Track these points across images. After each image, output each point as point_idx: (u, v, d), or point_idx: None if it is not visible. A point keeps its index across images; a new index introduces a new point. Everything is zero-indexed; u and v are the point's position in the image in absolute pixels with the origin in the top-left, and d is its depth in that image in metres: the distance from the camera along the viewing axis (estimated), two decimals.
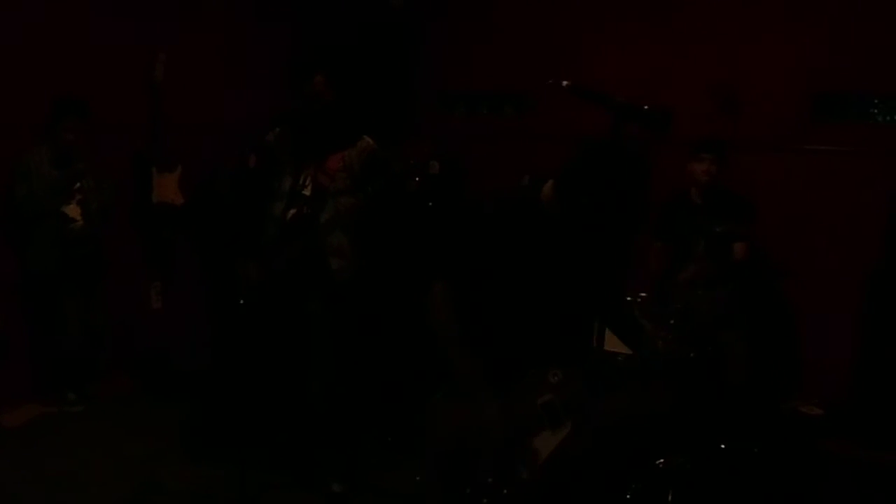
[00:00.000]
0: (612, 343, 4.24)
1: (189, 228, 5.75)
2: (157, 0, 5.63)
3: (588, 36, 5.89)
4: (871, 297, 4.57)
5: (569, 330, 2.74)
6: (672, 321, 4.06)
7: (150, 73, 5.46)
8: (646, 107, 1.97)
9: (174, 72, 5.55)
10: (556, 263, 2.64)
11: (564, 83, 2.02)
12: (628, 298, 4.32)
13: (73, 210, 4.95)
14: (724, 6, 5.38)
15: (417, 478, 2.83)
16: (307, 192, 3.91)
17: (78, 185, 4.95)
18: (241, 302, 4.03)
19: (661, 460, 3.75)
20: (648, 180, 2.50)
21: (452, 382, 2.73)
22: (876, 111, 5.06)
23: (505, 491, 2.53)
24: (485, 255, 2.67)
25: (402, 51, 6.58)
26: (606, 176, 2.41)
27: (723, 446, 4.32)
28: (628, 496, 3.52)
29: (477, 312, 2.71)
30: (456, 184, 5.80)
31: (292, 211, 3.89)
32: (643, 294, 4.32)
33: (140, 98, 5.47)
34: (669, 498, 3.67)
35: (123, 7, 5.43)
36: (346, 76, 3.98)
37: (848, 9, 5.03)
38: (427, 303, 2.77)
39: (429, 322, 2.76)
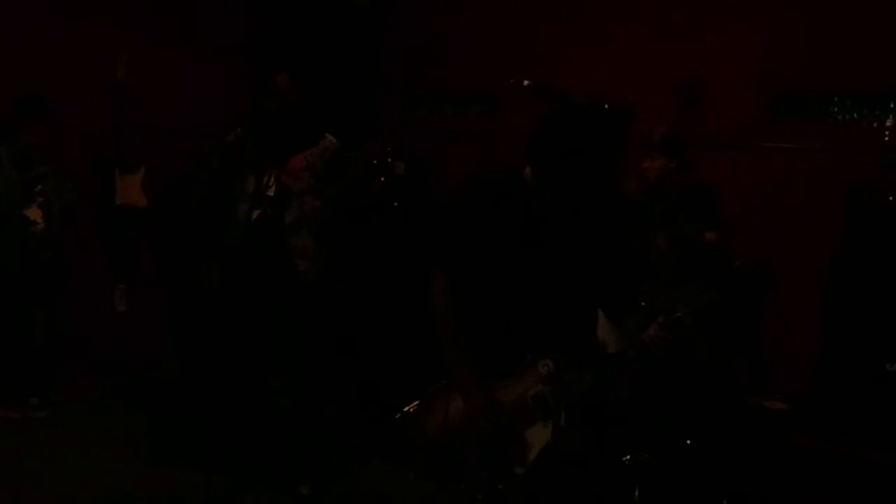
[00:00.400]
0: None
1: (155, 231, 5.70)
2: (119, 1, 5.59)
3: (553, 35, 5.91)
4: (831, 292, 4.63)
5: (567, 318, 2.62)
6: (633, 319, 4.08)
7: (112, 74, 5.41)
8: (606, 106, 1.98)
9: (136, 73, 5.50)
10: (549, 248, 2.56)
11: (525, 83, 2.03)
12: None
13: (34, 213, 4.89)
14: (685, 5, 5.43)
15: (411, 475, 2.78)
16: (271, 192, 3.89)
17: (39, 187, 4.90)
18: (205, 301, 4.01)
19: (628, 457, 3.77)
20: (621, 139, 2.44)
21: (443, 377, 2.68)
22: (835, 109, 5.13)
23: (500, 486, 2.50)
24: (477, 241, 2.58)
25: (367, 50, 6.57)
26: (576, 135, 2.33)
27: (688, 442, 4.36)
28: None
29: (475, 301, 2.63)
30: (421, 184, 5.80)
31: (256, 212, 3.87)
32: None
33: (102, 100, 5.42)
34: (636, 494, 3.69)
35: (85, 8, 5.38)
36: (310, 75, 3.96)
37: (808, 8, 5.09)
38: (429, 294, 2.70)
39: (431, 312, 2.68)
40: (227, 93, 6.03)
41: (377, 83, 6.68)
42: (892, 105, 4.88)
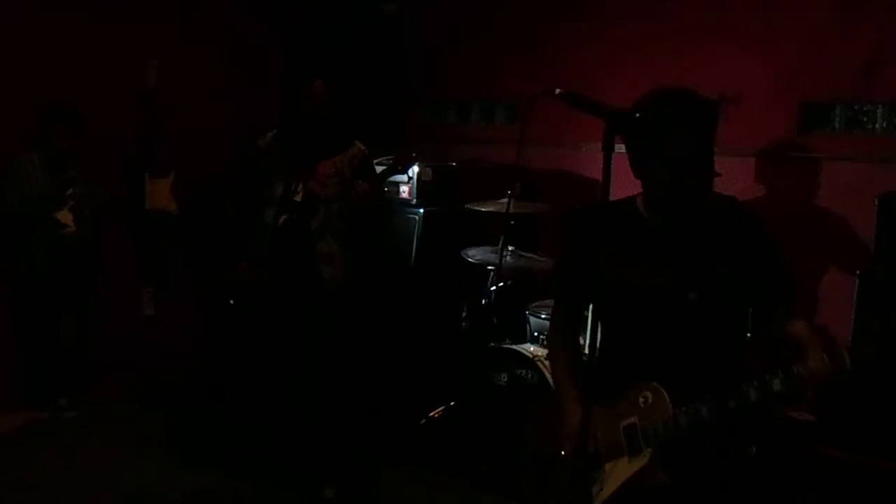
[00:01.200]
0: None
1: (184, 235, 5.75)
2: (150, 7, 5.65)
3: (579, 43, 5.91)
4: (861, 303, 4.58)
5: (680, 349, 2.39)
6: None
7: (142, 79, 5.47)
8: (637, 115, 1.98)
9: (167, 78, 5.55)
10: (665, 272, 2.38)
11: (557, 91, 2.02)
12: None
13: (65, 216, 4.95)
14: (713, 13, 5.40)
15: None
16: (298, 198, 3.91)
17: (70, 191, 4.96)
18: (232, 302, 4.03)
19: None
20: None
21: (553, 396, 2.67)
22: (864, 119, 5.09)
23: None
24: (592, 269, 2.45)
25: (394, 57, 6.60)
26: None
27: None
28: None
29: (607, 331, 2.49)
30: (448, 191, 5.82)
31: (283, 217, 3.89)
32: None
33: (132, 104, 5.47)
34: None
35: (116, 14, 5.44)
36: (339, 82, 3.97)
37: (835, 16, 5.06)
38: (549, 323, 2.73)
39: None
40: (257, 97, 6.07)
41: (405, 90, 6.70)
42: None
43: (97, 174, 5.13)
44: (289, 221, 3.90)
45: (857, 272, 4.55)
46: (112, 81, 5.41)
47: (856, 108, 5.07)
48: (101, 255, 5.20)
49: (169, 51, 5.66)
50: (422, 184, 5.65)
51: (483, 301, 4.92)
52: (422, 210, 5.59)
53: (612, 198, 2.13)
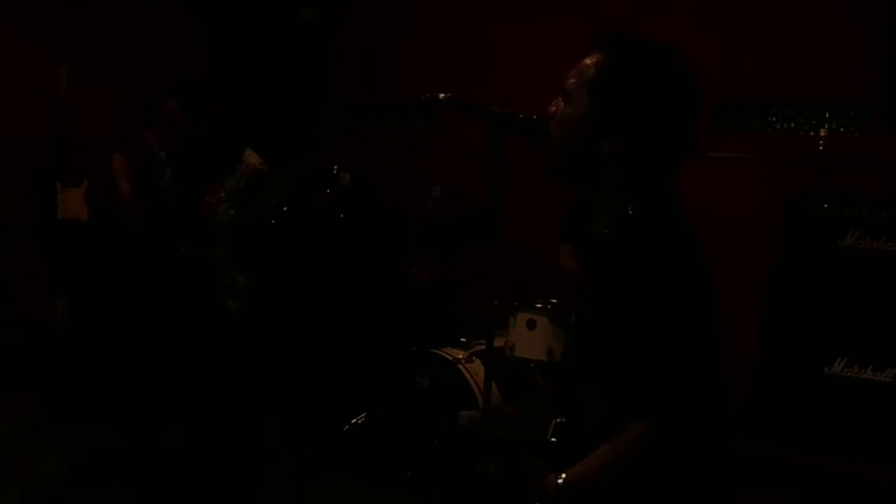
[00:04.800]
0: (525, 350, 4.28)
1: (99, 246, 5.62)
2: (60, 13, 5.53)
3: (501, 46, 5.95)
4: (770, 299, 4.69)
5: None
6: None
7: (52, 87, 5.35)
8: (521, 116, 1.99)
9: (77, 85, 5.44)
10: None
11: (441, 96, 2.02)
12: (538, 304, 4.35)
13: None
14: (629, 12, 5.48)
15: None
16: (194, 226, 3.74)
17: None
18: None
19: None
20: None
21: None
22: (774, 119, 5.23)
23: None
24: None
25: (310, 62, 6.56)
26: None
27: None
28: None
29: None
30: (367, 196, 5.79)
31: (183, 248, 3.73)
32: (554, 300, 4.36)
33: (42, 112, 5.35)
34: None
35: (23, 20, 5.32)
36: (201, 102, 3.79)
37: (748, 17, 5.17)
38: None
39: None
40: None
41: (322, 95, 6.67)
42: (826, 115, 4.99)
43: (6, 183, 5.00)
44: (188, 252, 3.73)
45: (767, 268, 4.67)
46: (21, 89, 5.29)
47: (766, 108, 5.20)
48: (12, 266, 5.07)
49: (80, 56, 5.55)
50: (341, 189, 5.60)
51: (404, 303, 4.92)
52: (341, 215, 5.54)
53: None
